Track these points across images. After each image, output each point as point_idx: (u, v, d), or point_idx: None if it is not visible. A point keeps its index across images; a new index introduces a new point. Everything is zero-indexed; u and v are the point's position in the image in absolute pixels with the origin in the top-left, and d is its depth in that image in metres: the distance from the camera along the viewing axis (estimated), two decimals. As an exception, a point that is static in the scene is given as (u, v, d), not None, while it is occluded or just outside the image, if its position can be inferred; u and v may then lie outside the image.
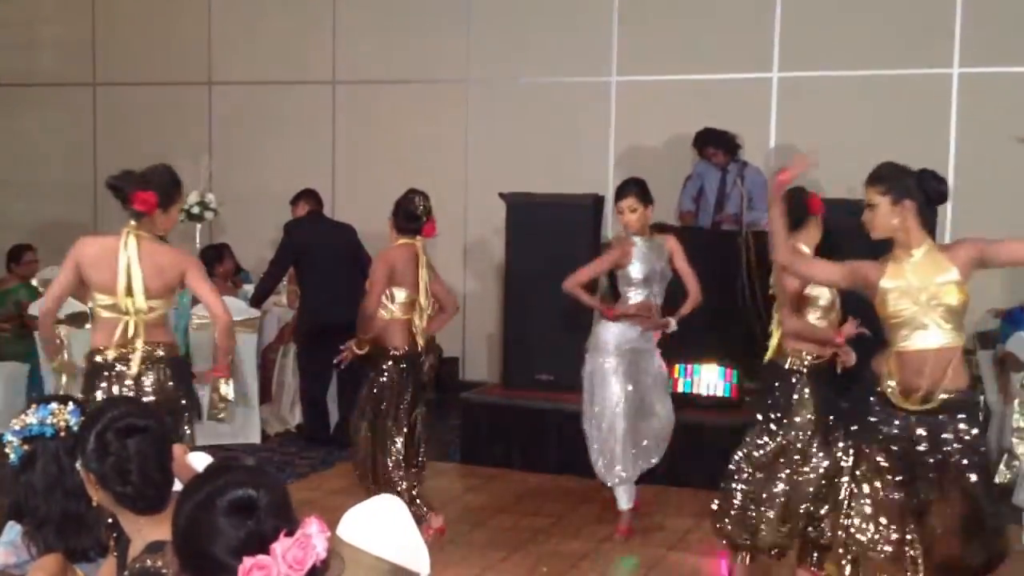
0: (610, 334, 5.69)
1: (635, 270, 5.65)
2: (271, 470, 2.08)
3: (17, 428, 3.22)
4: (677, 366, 6.70)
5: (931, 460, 3.82)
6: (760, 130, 8.52)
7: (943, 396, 3.80)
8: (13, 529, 3.27)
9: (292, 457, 7.27)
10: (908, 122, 8.23)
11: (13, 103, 10.86)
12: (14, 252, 8.28)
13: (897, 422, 3.84)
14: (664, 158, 8.66)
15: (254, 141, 9.94)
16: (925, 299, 3.84)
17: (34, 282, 8.35)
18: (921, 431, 3.82)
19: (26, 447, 3.19)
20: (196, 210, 8.57)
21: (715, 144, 7.81)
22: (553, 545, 5.58)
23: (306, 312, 7.50)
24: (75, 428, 3.16)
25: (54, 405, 3.25)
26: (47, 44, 10.93)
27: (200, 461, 3.55)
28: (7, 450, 3.23)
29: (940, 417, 3.81)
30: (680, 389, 6.69)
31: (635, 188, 5.66)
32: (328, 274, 7.40)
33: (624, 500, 5.72)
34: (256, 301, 7.66)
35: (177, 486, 2.89)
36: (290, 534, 1.89)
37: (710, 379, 6.78)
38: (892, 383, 3.86)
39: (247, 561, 1.85)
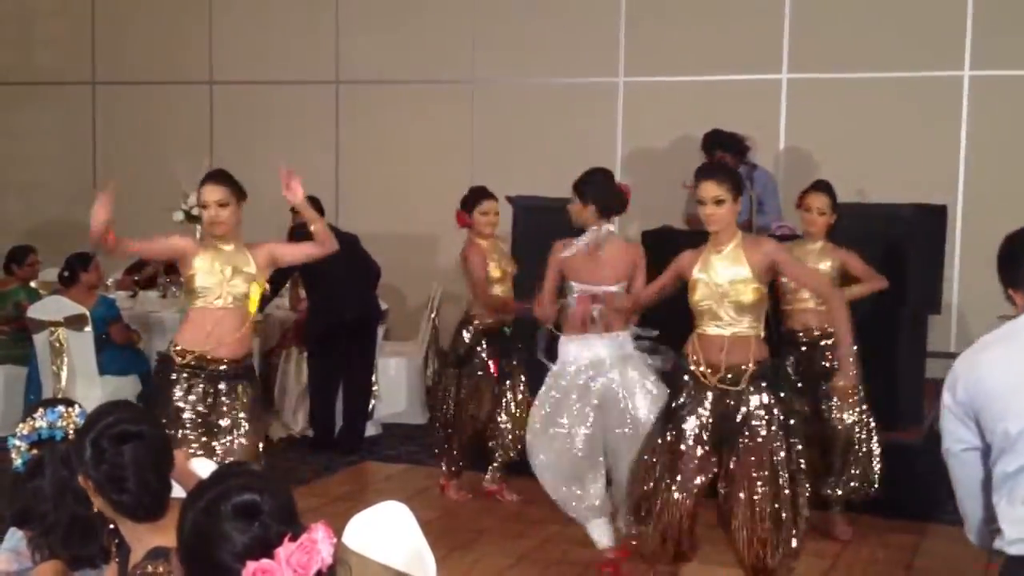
0: None
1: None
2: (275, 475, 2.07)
3: (25, 433, 3.14)
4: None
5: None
6: (770, 132, 8.48)
7: None
8: (15, 536, 3.22)
9: (295, 463, 7.20)
10: (918, 125, 8.22)
11: (11, 102, 10.82)
12: (16, 253, 8.22)
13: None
14: (672, 160, 8.59)
15: (256, 141, 9.87)
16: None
17: (33, 284, 8.29)
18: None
19: (34, 452, 3.13)
20: (197, 211, 8.48)
21: (724, 147, 7.74)
22: (560, 553, 5.51)
23: (315, 316, 7.44)
24: None
25: (61, 408, 3.18)
26: (46, 42, 10.89)
27: (203, 467, 3.49)
28: (13, 455, 3.16)
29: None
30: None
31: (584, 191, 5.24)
32: (336, 276, 7.34)
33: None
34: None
35: (179, 492, 2.84)
36: (294, 538, 1.88)
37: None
38: None
39: (251, 565, 1.84)
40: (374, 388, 7.81)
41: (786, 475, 4.28)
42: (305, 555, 1.85)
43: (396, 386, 8.22)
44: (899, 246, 6.49)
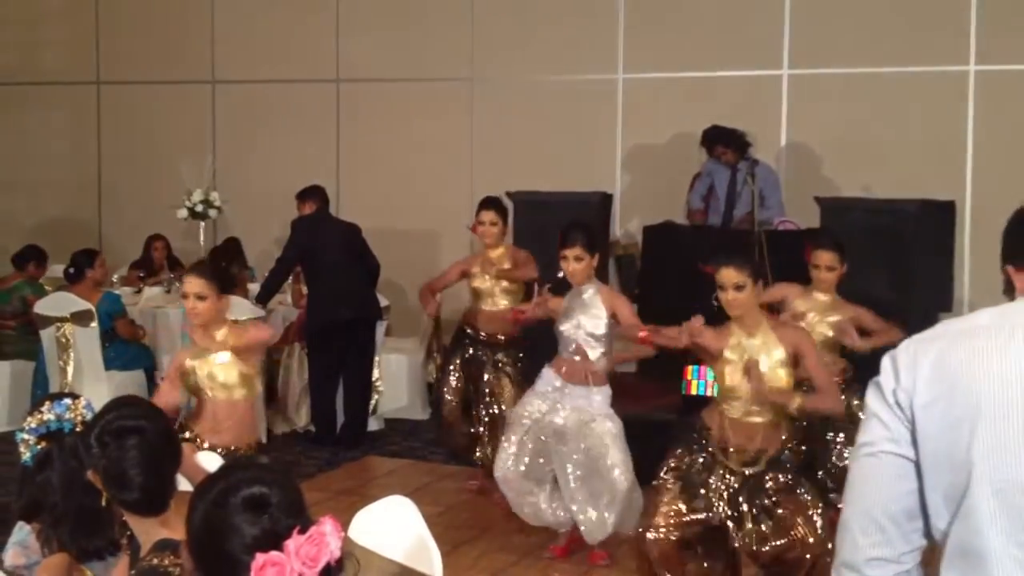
0: None
1: (562, 322, 5.32)
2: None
3: (33, 425, 3.15)
4: (690, 367, 6.67)
5: None
6: (771, 128, 8.47)
7: None
8: (23, 530, 3.23)
9: (298, 457, 7.23)
10: (923, 120, 8.16)
11: (16, 102, 10.86)
12: (36, 254, 8.26)
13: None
14: (672, 156, 8.62)
15: (258, 139, 9.92)
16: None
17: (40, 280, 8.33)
18: None
19: (42, 444, 3.14)
20: (200, 208, 8.54)
21: (724, 143, 7.74)
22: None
23: (313, 311, 7.47)
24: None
25: (68, 401, 3.19)
26: (51, 42, 10.92)
27: (210, 461, 3.52)
28: (21, 448, 3.17)
29: None
30: (693, 391, 6.63)
31: (582, 236, 5.23)
32: (335, 273, 7.37)
33: None
34: (262, 299, 7.63)
35: (186, 485, 2.87)
36: (303, 531, 1.88)
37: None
38: None
39: (260, 557, 1.85)
40: (376, 384, 7.84)
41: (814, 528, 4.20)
42: (314, 547, 1.85)
43: (398, 382, 8.24)
44: (906, 242, 6.49)
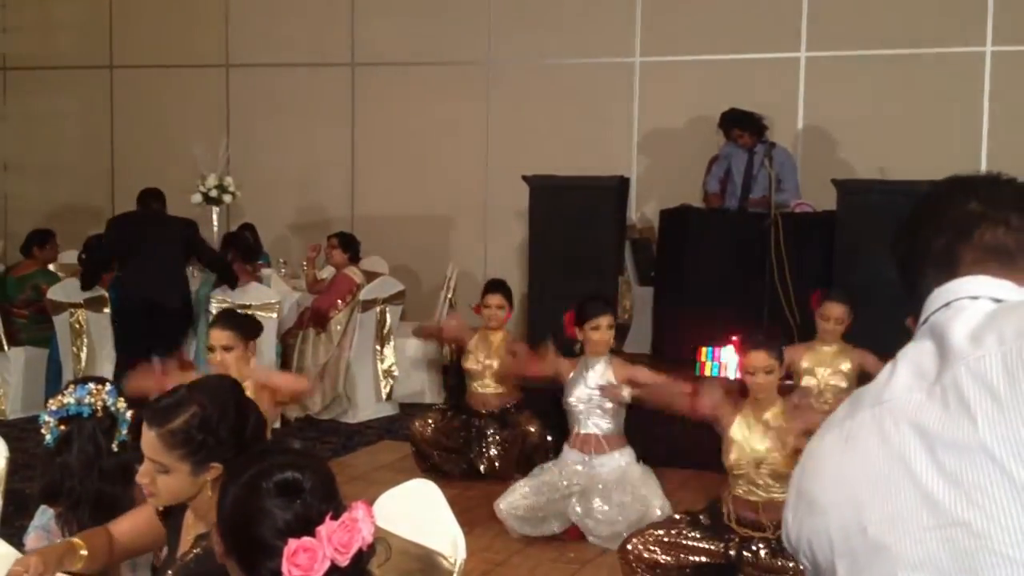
0: None
1: (572, 394, 5.42)
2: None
3: (54, 408, 3.18)
4: (704, 349, 6.68)
5: None
6: (788, 111, 8.44)
7: None
8: (45, 514, 3.26)
9: (312, 442, 7.22)
10: (940, 102, 8.15)
11: (29, 86, 10.86)
12: (39, 236, 8.25)
13: None
14: (689, 139, 8.59)
15: (272, 124, 9.90)
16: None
17: (51, 267, 8.33)
18: None
19: (62, 428, 3.16)
20: (214, 193, 8.52)
21: (741, 126, 7.72)
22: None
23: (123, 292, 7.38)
24: (112, 408, 3.18)
25: (91, 385, 3.21)
26: (64, 26, 10.91)
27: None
28: (43, 431, 3.20)
29: None
30: (707, 373, 6.66)
31: (610, 308, 5.38)
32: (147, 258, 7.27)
33: None
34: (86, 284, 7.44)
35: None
36: (335, 517, 1.89)
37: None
38: None
39: (292, 543, 1.85)
40: (391, 369, 7.83)
41: None
42: (346, 534, 1.86)
43: (412, 367, 8.24)
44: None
